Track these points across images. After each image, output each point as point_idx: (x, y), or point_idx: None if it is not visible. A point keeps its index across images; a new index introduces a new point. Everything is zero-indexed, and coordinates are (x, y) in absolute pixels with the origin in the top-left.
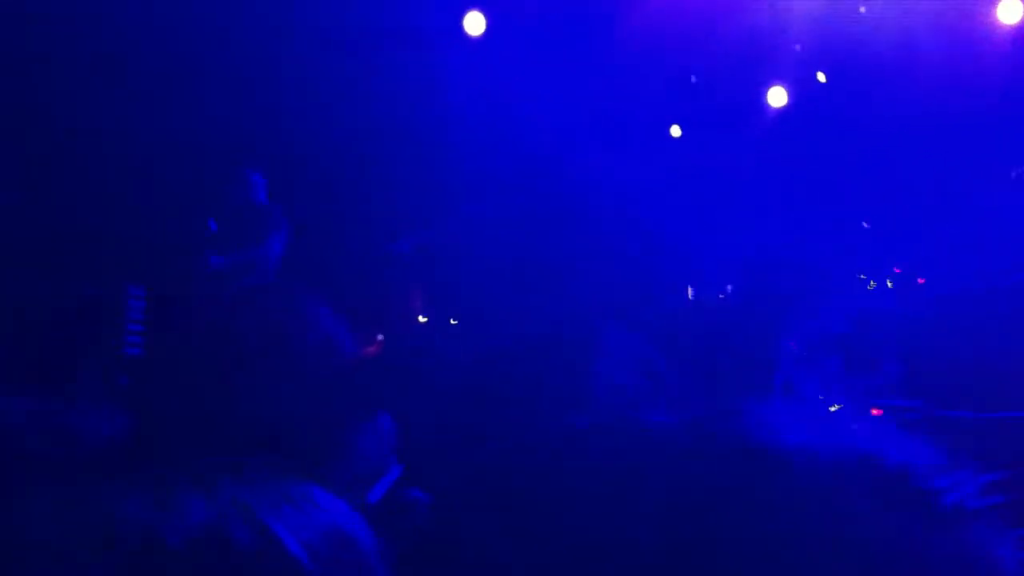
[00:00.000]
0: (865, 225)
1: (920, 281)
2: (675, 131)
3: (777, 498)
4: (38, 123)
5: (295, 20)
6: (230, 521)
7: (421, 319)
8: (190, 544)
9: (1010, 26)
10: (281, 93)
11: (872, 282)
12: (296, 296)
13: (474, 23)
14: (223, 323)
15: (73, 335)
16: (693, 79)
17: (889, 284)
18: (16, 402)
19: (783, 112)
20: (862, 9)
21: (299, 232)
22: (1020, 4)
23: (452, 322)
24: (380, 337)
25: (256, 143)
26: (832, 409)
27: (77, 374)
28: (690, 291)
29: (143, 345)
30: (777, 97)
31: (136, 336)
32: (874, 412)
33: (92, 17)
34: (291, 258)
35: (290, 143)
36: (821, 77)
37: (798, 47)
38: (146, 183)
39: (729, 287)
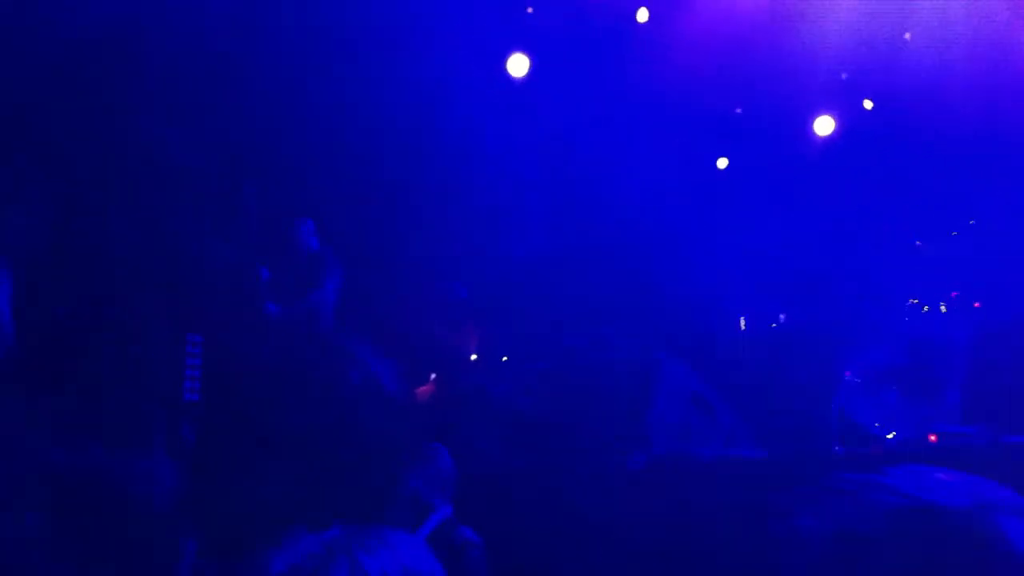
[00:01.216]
0: (918, 243)
1: (976, 305)
2: (722, 163)
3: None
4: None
5: (346, 66)
6: (335, 555)
7: (473, 358)
8: (293, 571)
9: None
10: (334, 139)
11: (926, 307)
12: (336, 338)
13: (518, 65)
14: (274, 369)
15: (134, 384)
16: (738, 111)
17: (943, 308)
18: (84, 452)
19: (830, 140)
20: (907, 35)
21: (352, 275)
22: None
23: (503, 359)
24: (433, 376)
25: (311, 189)
26: (889, 436)
27: (140, 424)
28: (743, 322)
29: (201, 391)
30: (824, 126)
31: (195, 382)
32: (931, 438)
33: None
34: (344, 302)
35: (344, 189)
36: (867, 104)
37: (844, 76)
38: (204, 233)
39: (782, 316)
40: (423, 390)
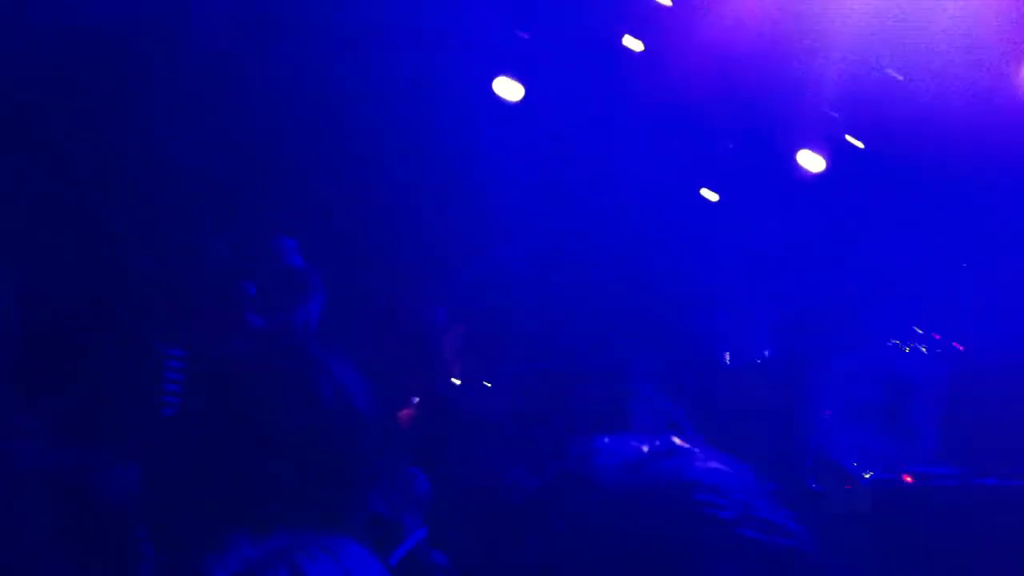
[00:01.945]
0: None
1: (959, 348)
2: (710, 195)
3: None
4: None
5: (347, 71)
6: (274, 562)
7: (455, 381)
8: None
9: None
10: (317, 150)
11: (907, 347)
12: (309, 348)
13: (509, 89)
14: (248, 381)
15: (108, 393)
16: (730, 146)
17: (924, 350)
18: (46, 456)
19: (818, 177)
20: (899, 77)
21: (334, 295)
22: None
23: (486, 384)
24: (415, 400)
25: (292, 201)
26: (866, 476)
27: (112, 431)
28: (727, 356)
29: (177, 406)
30: (812, 163)
31: (172, 397)
32: (906, 479)
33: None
34: (326, 320)
35: (324, 204)
36: (857, 143)
37: (836, 115)
38: (185, 243)
39: (766, 352)
40: (405, 412)
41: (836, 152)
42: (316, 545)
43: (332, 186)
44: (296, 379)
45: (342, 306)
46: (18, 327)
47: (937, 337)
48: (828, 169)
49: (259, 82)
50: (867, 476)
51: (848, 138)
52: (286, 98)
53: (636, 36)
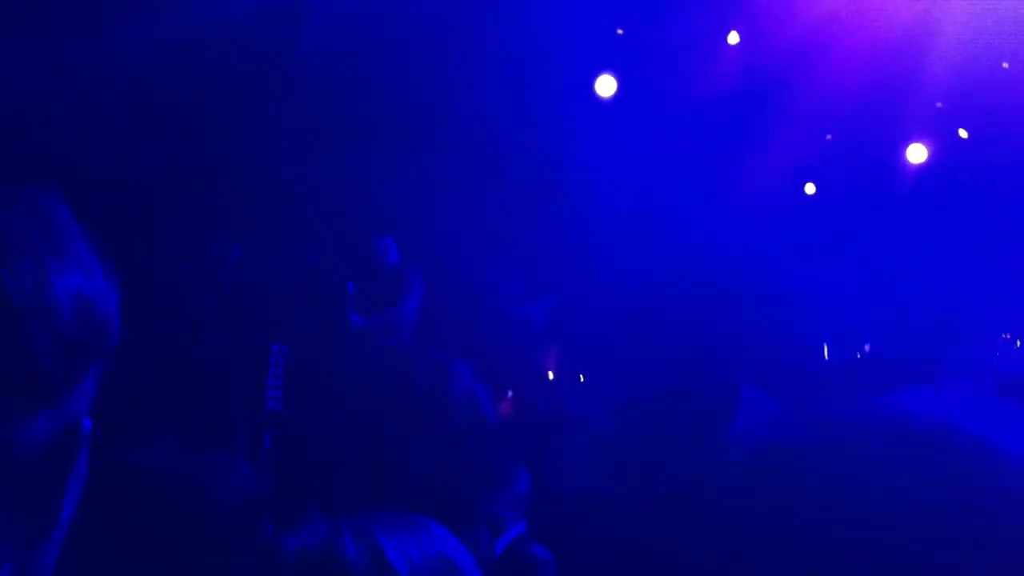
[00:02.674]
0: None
1: None
2: (810, 189)
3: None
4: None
5: (439, 79)
6: (344, 536)
7: (550, 376)
8: (303, 553)
9: None
10: (418, 152)
11: (1019, 342)
12: (437, 354)
13: (606, 85)
14: (368, 380)
15: (218, 391)
16: (828, 137)
17: None
18: (162, 458)
19: (923, 169)
20: (1005, 65)
21: (431, 293)
22: None
23: (580, 379)
24: (510, 394)
25: (391, 205)
26: None
27: (222, 430)
28: (826, 350)
29: (283, 400)
30: (917, 154)
31: (277, 391)
32: None
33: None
34: (423, 318)
35: (423, 202)
36: (962, 133)
37: (939, 104)
38: (288, 244)
39: (867, 346)
40: (502, 408)
41: (940, 143)
42: (396, 522)
43: (431, 186)
44: (432, 383)
45: (439, 304)
46: (127, 332)
47: None
48: (932, 161)
49: (364, 87)
50: None
51: (958, 131)
52: (387, 102)
53: (733, 29)
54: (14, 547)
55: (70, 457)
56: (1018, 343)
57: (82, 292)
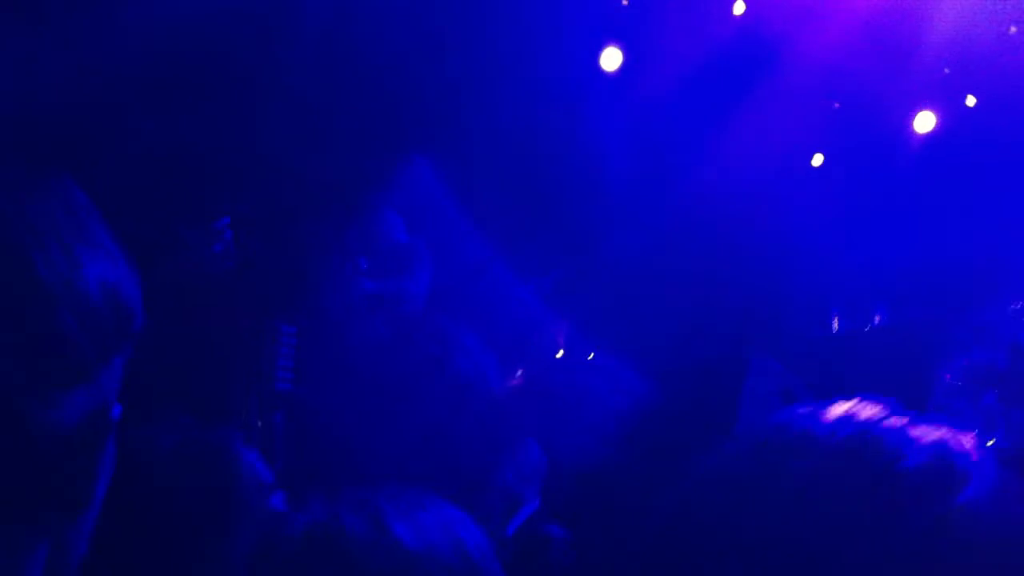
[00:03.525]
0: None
1: None
2: (817, 159)
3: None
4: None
5: (452, 64)
6: (345, 511)
7: (559, 354)
8: (309, 528)
9: None
10: (420, 130)
11: None
12: (447, 326)
13: (611, 59)
14: (379, 351)
15: (226, 369)
16: (836, 105)
17: None
18: (170, 435)
19: (931, 137)
20: (1012, 29)
21: (440, 267)
22: None
23: (590, 356)
24: (520, 371)
25: (395, 179)
26: (989, 444)
27: (231, 408)
28: (836, 321)
29: (293, 380)
30: (925, 122)
31: (287, 371)
32: None
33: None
34: (434, 293)
35: (428, 182)
36: (970, 100)
37: (946, 70)
38: (295, 219)
39: (877, 317)
40: (513, 384)
41: (948, 111)
42: (403, 497)
43: (433, 162)
44: (436, 355)
45: (449, 279)
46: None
47: None
48: (940, 129)
49: (364, 64)
50: (989, 444)
51: (965, 98)
52: (391, 81)
53: None
54: (55, 522)
55: (102, 438)
56: None
57: (108, 278)
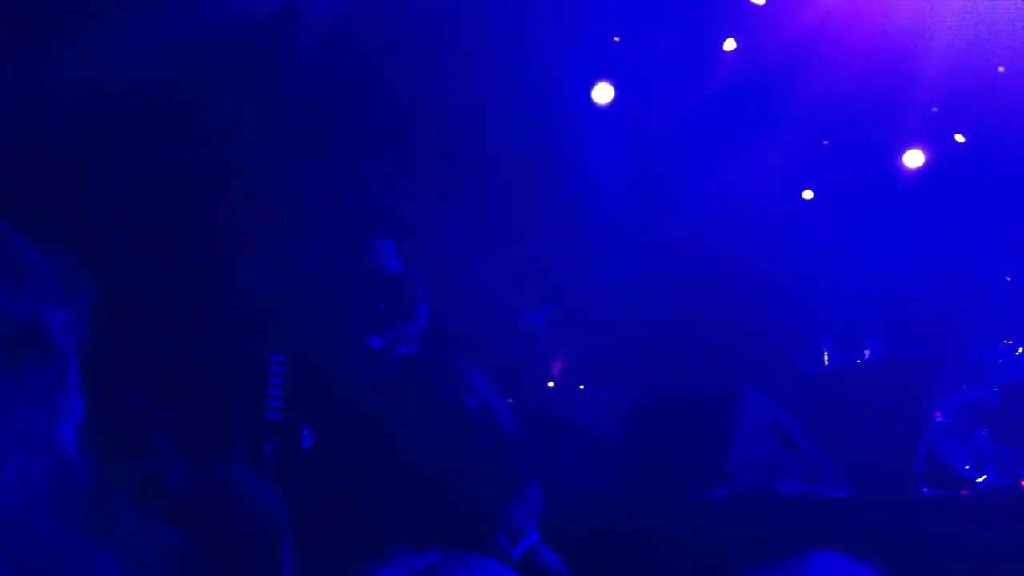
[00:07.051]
0: (1008, 279)
1: None
2: (807, 195)
3: None
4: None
5: (439, 85)
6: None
7: (550, 384)
8: None
9: None
10: (419, 165)
11: (1021, 348)
12: (453, 362)
13: (603, 93)
14: (382, 389)
15: (218, 401)
16: (825, 143)
17: None
18: (183, 472)
19: (920, 173)
20: (1000, 68)
21: (435, 301)
22: None
23: (580, 387)
24: (509, 401)
25: (392, 213)
26: (980, 480)
27: (228, 439)
28: (826, 356)
29: (283, 410)
30: (914, 159)
31: (277, 401)
32: None
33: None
34: (429, 327)
35: (427, 215)
36: (959, 138)
37: (935, 109)
38: (289, 250)
39: (867, 352)
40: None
41: (938, 148)
42: (473, 563)
43: (432, 194)
44: (444, 395)
45: (444, 312)
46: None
47: None
48: (930, 165)
49: (365, 99)
50: (981, 480)
51: (954, 135)
52: (387, 113)
53: (729, 35)
54: None
55: None
56: (1020, 350)
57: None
